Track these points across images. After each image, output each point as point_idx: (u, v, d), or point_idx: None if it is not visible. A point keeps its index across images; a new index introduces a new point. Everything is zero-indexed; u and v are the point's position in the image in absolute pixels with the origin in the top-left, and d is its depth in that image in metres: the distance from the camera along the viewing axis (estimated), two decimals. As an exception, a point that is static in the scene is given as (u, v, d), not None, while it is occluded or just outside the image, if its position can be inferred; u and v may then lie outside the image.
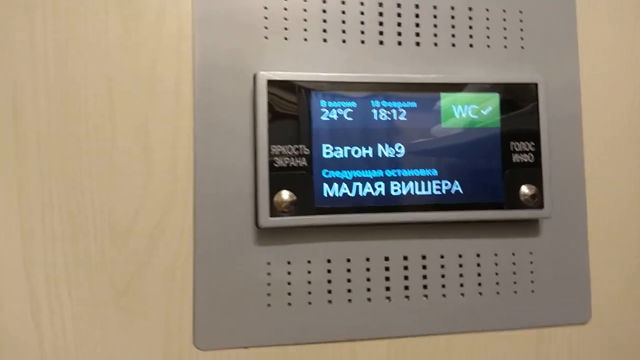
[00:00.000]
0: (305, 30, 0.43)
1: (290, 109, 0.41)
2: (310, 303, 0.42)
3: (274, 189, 0.40)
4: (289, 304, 0.42)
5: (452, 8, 0.45)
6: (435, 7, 0.45)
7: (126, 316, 0.40)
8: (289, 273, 0.42)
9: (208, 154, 0.41)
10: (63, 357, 0.39)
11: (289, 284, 0.42)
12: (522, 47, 0.46)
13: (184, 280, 0.41)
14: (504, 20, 0.46)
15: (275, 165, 0.40)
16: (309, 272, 0.42)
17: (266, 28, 0.43)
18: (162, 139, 0.41)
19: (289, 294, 0.42)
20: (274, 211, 0.40)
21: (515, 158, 0.43)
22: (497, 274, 0.45)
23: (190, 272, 0.41)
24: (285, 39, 0.43)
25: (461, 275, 0.44)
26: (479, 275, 0.45)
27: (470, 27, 0.46)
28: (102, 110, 0.41)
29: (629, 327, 0.48)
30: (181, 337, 0.41)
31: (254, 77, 0.41)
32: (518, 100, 0.44)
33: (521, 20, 0.46)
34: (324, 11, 0.43)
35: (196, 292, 0.41)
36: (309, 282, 0.42)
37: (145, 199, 0.41)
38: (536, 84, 0.44)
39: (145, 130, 0.41)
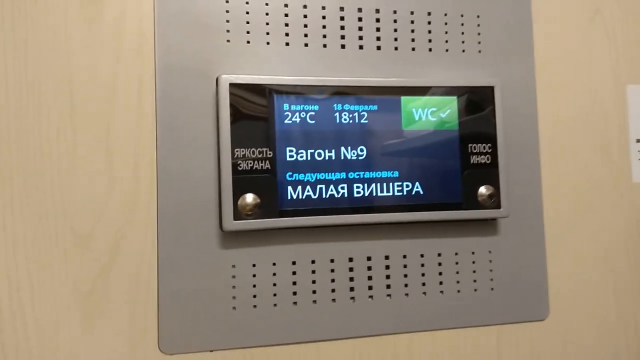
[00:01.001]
0: (268, 33, 0.43)
1: (253, 112, 0.41)
2: (275, 305, 0.42)
3: (237, 193, 0.40)
4: (254, 306, 0.42)
5: (412, 13, 0.46)
6: (395, 12, 0.46)
7: (90, 320, 0.39)
8: (254, 276, 0.42)
9: (171, 156, 0.41)
10: (23, 365, 0.38)
11: (254, 286, 0.42)
12: (479, 51, 0.48)
13: (148, 284, 0.40)
14: (462, 25, 0.47)
15: (239, 168, 0.40)
16: (274, 274, 0.42)
17: (228, 31, 0.43)
18: (124, 141, 0.41)
19: (254, 296, 0.42)
20: (238, 214, 0.40)
21: (474, 159, 0.45)
22: (457, 272, 0.46)
23: (154, 276, 0.41)
24: (248, 42, 0.43)
25: (423, 275, 0.45)
26: (440, 274, 0.46)
27: (429, 32, 0.47)
28: (63, 112, 0.40)
29: (586, 322, 0.49)
30: (146, 340, 0.40)
31: (217, 80, 0.41)
32: (475, 103, 0.45)
33: (478, 25, 0.48)
34: (286, 15, 0.44)
35: (161, 296, 0.40)
36: (274, 285, 0.42)
37: (108, 201, 0.40)
38: (492, 87, 0.45)
39: (107, 132, 0.41)
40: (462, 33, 0.47)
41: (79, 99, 0.40)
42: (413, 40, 0.46)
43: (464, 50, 0.47)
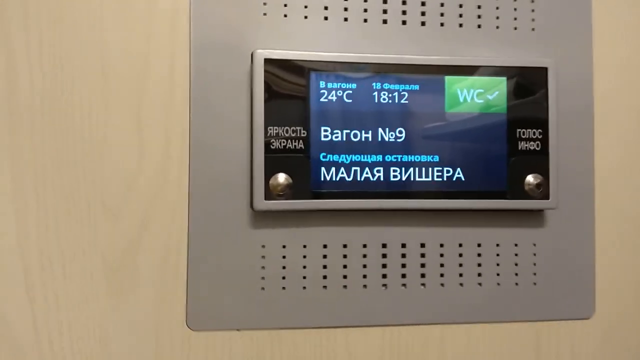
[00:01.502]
0: (306, 7, 0.42)
1: (287, 89, 0.40)
2: (304, 288, 0.41)
3: (269, 172, 0.39)
4: (283, 288, 0.41)
5: (461, -14, 0.43)
6: (442, -15, 0.43)
7: (118, 294, 0.40)
8: (283, 257, 0.41)
9: (203, 133, 0.40)
10: (55, 333, 0.39)
11: (283, 268, 0.41)
12: (532, 29, 0.44)
13: (177, 260, 0.40)
14: (515, 0, 0.44)
15: (272, 147, 0.39)
16: (304, 256, 0.41)
17: (265, 4, 0.41)
18: (156, 117, 0.40)
19: (284, 278, 0.41)
20: (269, 194, 0.39)
21: (522, 146, 0.42)
22: (498, 264, 0.44)
23: (183, 252, 0.40)
24: (285, 15, 0.41)
25: (460, 265, 0.43)
26: (479, 265, 0.43)
27: (479, 7, 0.44)
28: (95, 86, 0.40)
29: (632, 324, 0.46)
30: (173, 316, 0.40)
31: (251, 55, 0.40)
32: (526, 85, 0.42)
33: (532, 1, 0.44)
34: (326, -13, 0.42)
35: (189, 272, 0.40)
36: (304, 267, 0.41)
37: (139, 176, 0.40)
38: (546, 68, 0.42)
39: (139, 107, 0.40)
40: (515, 9, 0.44)
41: (111, 73, 0.40)
42: (461, 15, 0.43)
43: (516, 28, 0.44)
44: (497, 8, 0.44)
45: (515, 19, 0.44)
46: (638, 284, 0.46)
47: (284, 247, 0.41)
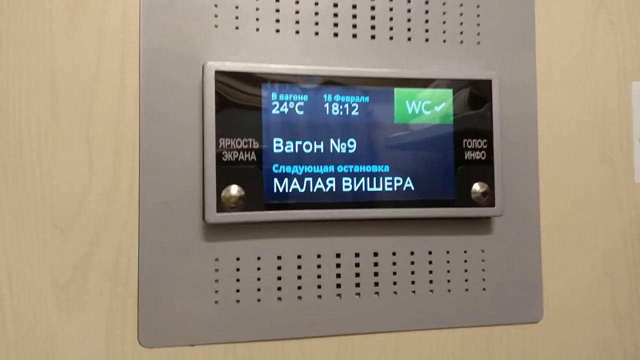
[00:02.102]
0: (258, 19, 0.42)
1: (239, 100, 0.40)
2: (259, 300, 0.41)
3: (221, 184, 0.39)
4: (238, 301, 0.41)
5: (409, 1, 0.45)
6: (390, 0, 0.44)
7: (68, 311, 0.39)
8: (237, 270, 0.41)
9: (154, 145, 0.40)
10: (2, 353, 0.37)
11: (237, 280, 0.41)
12: (478, 43, 0.46)
13: (128, 276, 0.39)
14: (461, 14, 0.46)
15: (224, 159, 0.39)
16: (259, 268, 0.41)
17: (216, 16, 0.41)
18: (106, 130, 0.40)
19: (238, 291, 0.41)
20: (222, 206, 0.39)
21: (468, 155, 0.43)
22: (448, 271, 0.45)
23: (134, 267, 0.39)
24: (237, 28, 0.41)
25: (413, 273, 0.44)
26: (431, 272, 0.44)
27: (427, 21, 0.45)
28: (44, 98, 0.39)
29: (580, 326, 0.48)
30: (125, 333, 0.39)
31: (202, 67, 0.40)
32: (472, 97, 0.44)
33: (478, 15, 0.46)
34: (277, 0, 0.42)
35: (141, 288, 0.39)
36: (259, 279, 0.41)
37: (88, 191, 0.39)
38: (490, 81, 0.44)
39: (89, 120, 0.39)
40: (461, 23, 0.46)
41: (60, 86, 0.39)
42: (409, 29, 0.45)
43: (462, 42, 0.46)
44: (444, 22, 0.45)
45: (461, 33, 0.46)
46: (584, 287, 0.48)
47: (237, 259, 0.41)
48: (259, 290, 0.41)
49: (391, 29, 0.44)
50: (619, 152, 0.49)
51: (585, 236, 0.48)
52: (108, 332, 0.39)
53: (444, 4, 0.45)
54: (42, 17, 0.39)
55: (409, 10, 0.45)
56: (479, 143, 0.43)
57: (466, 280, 0.45)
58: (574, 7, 0.49)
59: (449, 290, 0.45)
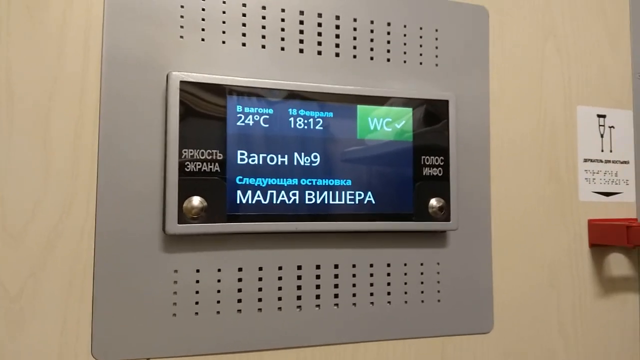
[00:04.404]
0: (224, 32, 0.42)
1: (204, 111, 0.40)
2: (218, 312, 0.41)
3: (183, 195, 0.39)
4: (197, 313, 0.40)
5: (372, 22, 0.46)
6: (355, 20, 0.46)
7: (19, 323, 0.37)
8: (197, 281, 0.40)
9: (114, 153, 0.39)
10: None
11: (197, 292, 0.40)
12: (436, 65, 0.48)
13: (83, 286, 0.38)
14: (420, 37, 0.48)
15: (186, 169, 0.39)
16: (219, 280, 0.41)
17: (182, 27, 0.41)
18: (64, 135, 0.39)
19: (197, 303, 0.40)
20: (183, 217, 0.39)
21: (426, 171, 0.45)
22: (405, 283, 0.46)
23: (90, 278, 0.38)
24: (202, 39, 0.42)
25: (371, 285, 0.45)
26: (389, 284, 0.45)
27: (388, 42, 0.47)
28: (0, 102, 0.38)
29: (528, 337, 0.50)
30: (78, 346, 0.38)
31: (167, 77, 0.39)
32: (430, 116, 0.46)
33: (436, 39, 0.48)
34: (244, 15, 0.43)
35: (96, 299, 0.38)
36: (219, 291, 0.41)
37: (43, 198, 0.38)
38: (447, 101, 0.46)
39: (46, 124, 0.38)
40: (421, 46, 0.48)
41: (17, 88, 0.38)
42: (372, 49, 0.46)
43: (421, 63, 0.48)
44: (405, 44, 0.47)
45: (421, 54, 0.48)
46: (533, 300, 0.51)
47: (197, 271, 0.41)
48: (218, 302, 0.41)
49: (355, 47, 0.46)
50: (565, 172, 0.53)
51: (533, 250, 0.51)
52: (61, 345, 0.38)
53: (405, 26, 0.47)
54: (0, 17, 0.38)
55: (372, 31, 0.46)
56: (436, 160, 0.45)
57: (422, 292, 0.46)
58: (525, 34, 0.52)
59: (406, 302, 0.46)
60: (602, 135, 0.55)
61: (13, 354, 0.37)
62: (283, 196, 0.41)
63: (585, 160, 0.54)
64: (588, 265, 0.53)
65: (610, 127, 0.55)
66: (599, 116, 0.55)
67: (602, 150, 0.55)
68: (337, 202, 0.42)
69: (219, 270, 0.41)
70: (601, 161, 0.54)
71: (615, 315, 0.53)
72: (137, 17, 0.40)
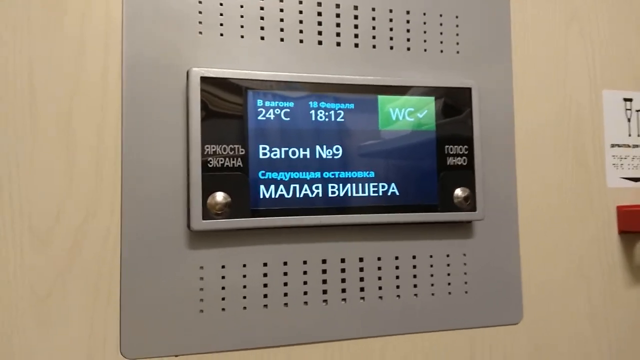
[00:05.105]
0: (242, 27, 0.42)
1: (225, 107, 0.40)
2: (245, 308, 0.41)
3: (207, 191, 0.39)
4: (223, 309, 0.40)
5: (390, 11, 0.46)
6: (373, 9, 0.45)
7: (47, 324, 0.37)
8: (223, 277, 0.40)
9: (137, 152, 0.39)
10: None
11: (223, 288, 0.40)
12: (457, 52, 0.47)
13: (110, 286, 0.39)
14: (441, 25, 0.47)
15: (209, 165, 0.39)
16: (244, 276, 0.41)
17: (200, 23, 0.41)
18: (87, 136, 0.39)
19: (223, 299, 0.40)
20: (207, 213, 0.39)
21: (450, 161, 0.44)
22: (432, 275, 0.45)
23: (116, 277, 0.39)
24: (221, 35, 0.41)
25: (397, 277, 0.44)
26: (415, 277, 0.45)
27: (408, 31, 0.46)
28: (23, 105, 0.38)
29: (558, 327, 0.49)
30: (107, 345, 0.38)
31: (187, 73, 0.39)
32: (453, 104, 0.45)
33: (457, 26, 0.47)
34: (262, 8, 0.42)
35: (123, 298, 0.38)
36: (244, 287, 0.41)
37: (68, 199, 0.38)
38: (470, 89, 0.45)
39: (69, 126, 0.39)
40: (441, 33, 0.47)
41: (39, 90, 0.38)
42: (391, 38, 0.46)
43: (442, 51, 0.47)
44: (425, 32, 0.46)
45: (441, 42, 0.47)
46: (562, 289, 0.50)
47: (223, 267, 0.40)
48: (244, 298, 0.41)
49: (374, 37, 0.45)
50: (592, 158, 0.51)
51: (561, 238, 0.50)
52: (90, 344, 0.38)
53: (424, 14, 0.46)
54: (20, 21, 0.38)
55: (390, 20, 0.46)
56: (460, 149, 0.44)
57: (449, 284, 0.46)
58: (547, 19, 0.51)
59: (433, 294, 0.45)
60: (629, 120, 0.53)
61: (43, 355, 0.37)
62: (306, 190, 0.41)
63: (613, 146, 0.52)
64: (617, 253, 0.52)
65: (637, 111, 0.54)
66: (626, 100, 0.53)
67: (630, 135, 0.53)
68: (360, 194, 0.42)
69: (244, 265, 0.41)
70: (629, 146, 0.53)
71: (647, 303, 0.52)
72: (156, 15, 0.40)
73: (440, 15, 0.47)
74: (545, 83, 0.51)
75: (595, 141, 0.52)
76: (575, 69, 0.51)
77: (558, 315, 0.49)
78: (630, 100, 0.53)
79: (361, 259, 0.44)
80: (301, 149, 0.41)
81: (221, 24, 0.41)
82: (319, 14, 0.44)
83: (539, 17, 0.51)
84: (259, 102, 0.40)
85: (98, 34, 0.40)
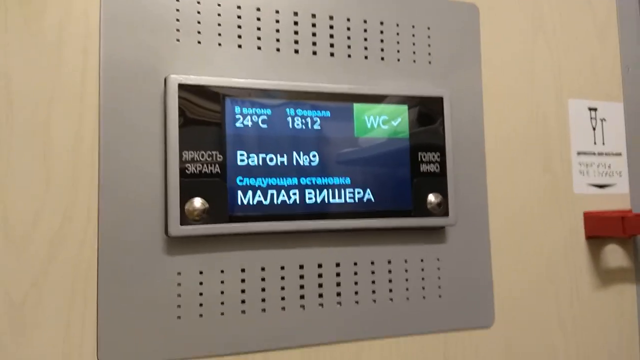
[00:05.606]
0: (220, 34, 0.43)
1: (203, 114, 0.40)
2: (222, 314, 0.41)
3: (185, 196, 0.39)
4: (201, 315, 0.40)
5: (365, 22, 0.47)
6: (348, 20, 0.46)
7: (23, 330, 0.37)
8: (200, 283, 0.41)
9: (114, 158, 0.39)
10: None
11: (200, 294, 0.40)
12: (429, 62, 0.49)
13: (86, 291, 0.38)
14: (413, 35, 0.48)
15: (187, 171, 0.39)
16: (222, 282, 0.41)
17: (178, 30, 0.41)
18: (64, 141, 0.39)
19: (201, 305, 0.40)
20: (185, 219, 0.39)
21: (423, 168, 0.45)
22: (407, 280, 0.46)
23: (93, 282, 0.38)
24: (199, 42, 0.42)
25: (373, 282, 0.45)
26: (390, 281, 0.46)
27: (382, 41, 0.47)
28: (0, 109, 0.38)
29: (528, 330, 0.51)
30: (83, 351, 0.38)
31: (165, 80, 0.40)
32: (426, 113, 0.46)
33: (429, 37, 0.49)
34: (239, 17, 0.43)
35: (100, 304, 0.38)
36: (222, 292, 0.41)
37: (44, 204, 0.38)
38: (442, 98, 0.46)
39: (46, 131, 0.38)
40: (414, 44, 0.48)
41: (16, 96, 0.38)
42: (366, 48, 0.47)
43: (414, 61, 0.48)
44: (398, 43, 0.48)
45: (414, 52, 0.48)
46: (532, 293, 0.51)
47: (200, 273, 0.41)
48: (222, 303, 0.41)
49: (349, 47, 0.46)
50: (559, 165, 0.53)
51: (531, 243, 0.52)
52: (66, 350, 0.38)
53: (397, 25, 0.48)
54: (-4, 27, 0.38)
55: (365, 30, 0.47)
56: (433, 156, 0.46)
57: (423, 288, 0.47)
58: (515, 30, 0.53)
59: (408, 299, 0.46)
60: (594, 128, 0.56)
61: (17, 361, 0.37)
62: (283, 196, 0.42)
63: (579, 153, 0.55)
64: (585, 257, 0.54)
65: (601, 120, 0.56)
66: (590, 109, 0.56)
67: (595, 143, 0.56)
68: (336, 200, 0.43)
69: (222, 271, 0.41)
70: (594, 154, 0.55)
71: (613, 306, 0.54)
72: (134, 23, 0.40)
73: (413, 27, 0.48)
74: (513, 92, 0.52)
75: (562, 149, 0.54)
76: (541, 79, 0.54)
77: (528, 319, 0.51)
78: (595, 109, 0.56)
79: (338, 264, 0.44)
80: (278, 156, 0.42)
81: (199, 32, 0.42)
82: (295, 23, 0.45)
83: (507, 28, 0.53)
84: (237, 109, 0.41)
85: (76, 39, 0.40)
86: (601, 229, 0.53)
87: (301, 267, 0.43)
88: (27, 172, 0.38)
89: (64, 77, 0.39)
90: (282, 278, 0.43)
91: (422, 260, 0.47)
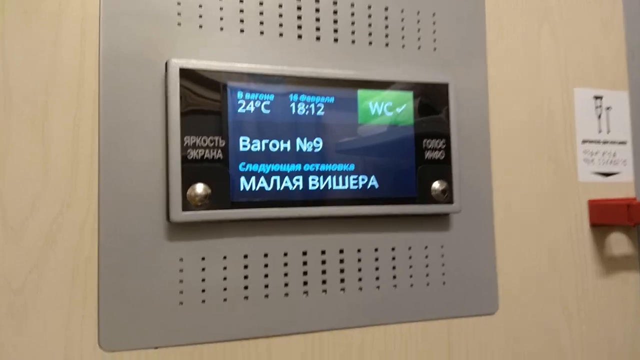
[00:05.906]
0: (222, 19, 0.42)
1: (204, 99, 0.40)
2: (225, 300, 0.41)
3: (187, 182, 0.39)
4: (203, 301, 0.40)
5: (369, 7, 0.46)
6: (352, 5, 0.46)
7: (22, 316, 0.37)
8: (203, 269, 0.40)
9: (115, 144, 0.39)
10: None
11: (203, 280, 0.40)
12: (434, 49, 0.48)
13: (86, 278, 0.38)
14: (418, 22, 0.48)
15: (189, 157, 0.39)
16: (225, 268, 0.41)
17: (179, 14, 0.41)
18: (63, 128, 0.38)
19: (203, 291, 0.40)
20: (187, 205, 0.39)
21: (428, 155, 0.45)
22: (410, 267, 0.46)
23: (94, 269, 0.38)
24: (200, 27, 0.42)
25: (377, 269, 0.45)
26: (394, 268, 0.46)
27: (386, 27, 0.47)
28: (-4, 96, 0.37)
29: (532, 318, 0.51)
30: (84, 337, 0.38)
31: (166, 65, 0.39)
32: (430, 100, 0.46)
33: (434, 23, 0.48)
34: (241, 1, 0.43)
35: (101, 290, 0.38)
36: (225, 279, 0.41)
37: (43, 191, 0.38)
38: (447, 84, 0.46)
39: (45, 118, 0.38)
40: (418, 30, 0.48)
41: (14, 83, 0.38)
42: (370, 34, 0.46)
43: (419, 47, 0.48)
44: (403, 29, 0.47)
45: (419, 39, 0.48)
46: (536, 281, 0.51)
47: (203, 259, 0.40)
48: (225, 290, 0.41)
49: (353, 33, 0.46)
50: (564, 153, 0.53)
51: (535, 231, 0.51)
52: (67, 337, 0.38)
53: (402, 11, 0.47)
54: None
55: (369, 16, 0.46)
56: (438, 143, 0.45)
57: (427, 275, 0.46)
58: (520, 19, 0.53)
59: (412, 285, 0.46)
60: (599, 117, 0.55)
61: (18, 348, 0.37)
62: (287, 182, 0.41)
63: (584, 142, 0.54)
64: (589, 245, 0.53)
65: (607, 109, 0.56)
66: (596, 98, 0.55)
67: (600, 131, 0.55)
68: (340, 187, 0.43)
69: (225, 257, 0.41)
70: (599, 142, 0.55)
71: (616, 294, 0.54)
72: (134, 7, 0.40)
73: (418, 13, 0.48)
74: (519, 81, 0.52)
75: (567, 137, 0.53)
76: (547, 68, 0.53)
77: (532, 306, 0.51)
78: (600, 98, 0.55)
79: (341, 251, 0.44)
80: (281, 142, 0.41)
81: (200, 16, 0.42)
82: (299, 8, 0.44)
83: (513, 17, 0.52)
84: (239, 95, 0.40)
85: (75, 26, 0.39)
86: (606, 217, 0.53)
87: (304, 253, 0.43)
88: (26, 157, 0.38)
89: (63, 64, 0.39)
90: (285, 264, 0.43)
91: (426, 248, 0.46)
